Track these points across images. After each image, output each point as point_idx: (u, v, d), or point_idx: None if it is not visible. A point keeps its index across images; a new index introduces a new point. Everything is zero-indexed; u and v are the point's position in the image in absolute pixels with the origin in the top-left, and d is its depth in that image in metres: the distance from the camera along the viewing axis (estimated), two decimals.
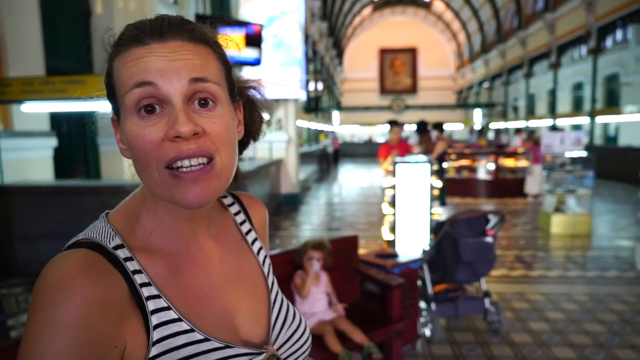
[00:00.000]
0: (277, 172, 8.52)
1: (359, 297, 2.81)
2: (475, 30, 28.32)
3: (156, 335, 0.51)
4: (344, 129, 31.78)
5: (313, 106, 16.75)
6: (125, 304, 0.50)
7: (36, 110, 4.72)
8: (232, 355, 0.55)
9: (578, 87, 17.92)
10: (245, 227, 0.69)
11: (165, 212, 0.57)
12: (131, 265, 0.52)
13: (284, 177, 8.86)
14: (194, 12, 7.69)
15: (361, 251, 3.11)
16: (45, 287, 0.47)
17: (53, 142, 5.20)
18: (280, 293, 0.68)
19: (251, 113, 0.69)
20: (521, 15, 20.66)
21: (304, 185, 10.63)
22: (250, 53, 5.75)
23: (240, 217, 0.69)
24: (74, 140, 6.11)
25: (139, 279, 0.52)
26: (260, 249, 0.69)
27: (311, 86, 17.04)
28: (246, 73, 7.91)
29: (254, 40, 5.72)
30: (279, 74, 8.31)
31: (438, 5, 31.41)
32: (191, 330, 0.53)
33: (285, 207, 8.60)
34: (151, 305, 0.52)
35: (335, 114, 29.95)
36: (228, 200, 0.70)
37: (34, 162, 5.10)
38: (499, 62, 24.28)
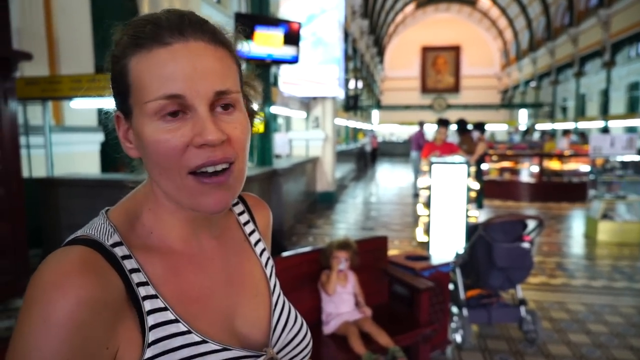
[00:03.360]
0: (313, 170, 8.55)
1: (387, 299, 2.77)
2: (523, 28, 27.24)
3: (152, 336, 0.50)
4: (383, 127, 31.47)
5: (352, 104, 16.67)
6: (120, 303, 0.49)
7: (84, 106, 4.95)
8: (230, 358, 0.54)
9: (634, 87, 16.89)
10: (249, 228, 0.68)
11: (167, 212, 0.57)
12: (129, 264, 0.52)
13: (320, 175, 8.87)
14: (235, 11, 7.83)
15: (394, 252, 3.07)
16: (40, 283, 0.46)
17: (100, 137, 5.45)
18: (282, 295, 0.67)
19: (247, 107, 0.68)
20: (573, 12, 19.70)
21: (340, 184, 10.61)
22: (288, 51, 5.77)
23: (244, 218, 0.68)
24: None
25: (136, 278, 0.51)
26: (264, 250, 0.68)
27: (351, 84, 16.97)
28: (284, 71, 7.99)
29: (292, 38, 5.74)
30: (317, 72, 8.32)
31: (484, 2, 30.44)
32: (188, 332, 0.52)
33: (320, 205, 8.61)
34: (148, 305, 0.51)
35: (375, 113, 29.69)
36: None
37: (82, 156, 5.37)
38: (547, 61, 23.25)
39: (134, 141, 0.54)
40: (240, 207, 0.69)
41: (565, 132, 12.47)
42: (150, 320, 0.50)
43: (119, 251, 0.52)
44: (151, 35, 0.51)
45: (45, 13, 5.05)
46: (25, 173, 4.54)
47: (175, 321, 0.52)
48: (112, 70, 0.54)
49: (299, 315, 0.68)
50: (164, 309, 0.52)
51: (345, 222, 7.38)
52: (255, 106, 0.67)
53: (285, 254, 2.40)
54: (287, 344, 0.63)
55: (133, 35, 0.52)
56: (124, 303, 0.50)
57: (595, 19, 17.12)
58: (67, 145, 5.04)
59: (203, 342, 0.53)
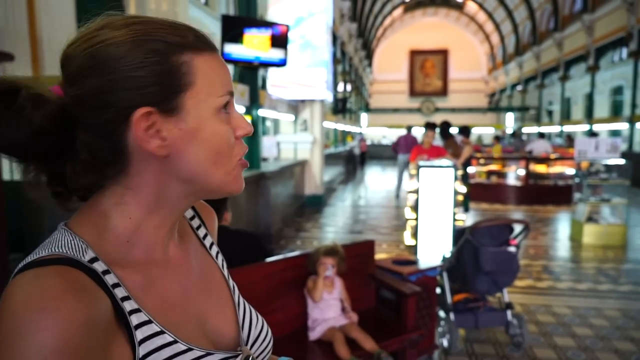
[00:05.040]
0: (301, 173, 8.52)
1: (374, 304, 2.75)
2: (509, 32, 27.60)
3: (142, 350, 0.49)
4: (372, 130, 31.58)
5: (340, 107, 16.70)
6: (110, 321, 0.48)
7: None
8: None
9: (617, 91, 17.19)
10: (202, 232, 0.69)
11: (157, 219, 0.56)
12: (110, 279, 0.50)
13: (308, 178, 8.84)
14: (222, 13, 7.78)
15: (382, 256, 3.06)
16: (23, 312, 0.42)
17: None
18: (241, 296, 0.69)
19: None
20: (558, 17, 20.01)
21: (328, 187, 10.59)
22: (275, 54, 5.75)
23: (196, 222, 0.69)
24: None
25: (119, 292, 0.50)
26: (218, 252, 0.70)
27: (339, 87, 16.99)
28: (272, 74, 7.94)
29: (279, 41, 5.72)
30: (305, 75, 8.31)
31: (471, 7, 30.77)
32: (174, 342, 0.52)
33: (308, 208, 8.58)
34: (134, 319, 0.50)
35: (364, 116, 29.78)
36: None
37: None
38: (533, 65, 23.57)
39: (174, 137, 0.51)
40: (190, 212, 0.69)
41: (541, 135, 12.65)
42: (139, 334, 0.50)
43: (98, 267, 0.50)
44: (207, 42, 0.55)
45: (28, 12, 4.95)
46: (6, 176, 4.45)
47: (161, 332, 0.52)
48: (155, 66, 0.50)
49: (257, 312, 0.70)
50: (149, 321, 0.51)
51: (334, 226, 7.36)
52: None
53: (270, 259, 2.37)
54: (255, 341, 0.65)
55: (196, 38, 0.54)
56: (113, 320, 0.48)
57: (580, 24, 17.41)
58: None
59: (188, 349, 0.53)
